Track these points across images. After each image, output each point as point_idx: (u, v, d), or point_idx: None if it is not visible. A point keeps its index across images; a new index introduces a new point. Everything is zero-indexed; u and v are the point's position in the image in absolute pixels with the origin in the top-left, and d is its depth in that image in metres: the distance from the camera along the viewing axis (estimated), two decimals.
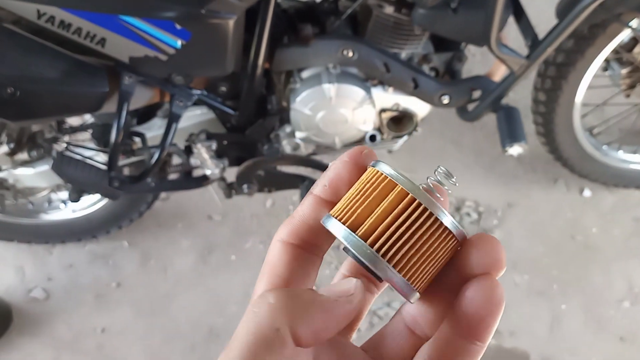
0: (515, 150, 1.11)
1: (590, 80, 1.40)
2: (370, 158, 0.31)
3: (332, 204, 0.30)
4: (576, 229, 1.67)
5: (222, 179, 1.29)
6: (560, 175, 1.74)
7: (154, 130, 1.22)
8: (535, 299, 1.55)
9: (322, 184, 0.31)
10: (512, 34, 1.32)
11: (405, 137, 1.29)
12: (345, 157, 0.31)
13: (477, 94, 1.18)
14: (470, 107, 1.22)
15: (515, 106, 1.16)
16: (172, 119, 1.11)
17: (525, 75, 1.10)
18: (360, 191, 0.29)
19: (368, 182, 0.29)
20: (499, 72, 1.19)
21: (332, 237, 0.31)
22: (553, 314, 1.52)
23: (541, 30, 1.14)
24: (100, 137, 1.17)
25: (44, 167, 1.24)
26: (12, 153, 1.22)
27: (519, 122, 1.12)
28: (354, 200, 0.29)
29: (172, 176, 1.32)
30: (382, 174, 0.29)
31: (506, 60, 1.05)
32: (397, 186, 0.28)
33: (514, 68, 1.06)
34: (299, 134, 1.24)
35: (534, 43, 1.09)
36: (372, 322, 1.52)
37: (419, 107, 1.23)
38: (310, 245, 0.31)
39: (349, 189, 0.30)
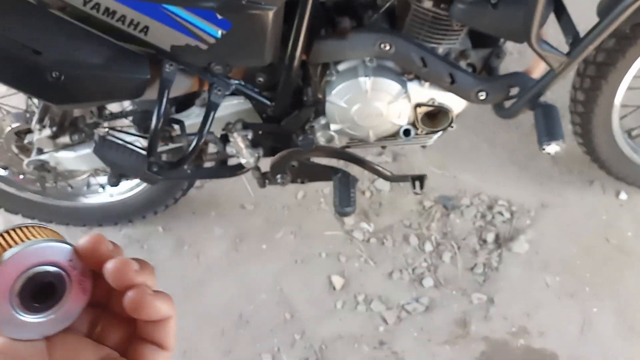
0: (552, 148, 1.10)
1: (630, 81, 1.37)
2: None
3: None
4: (611, 232, 1.64)
5: (257, 168, 1.31)
6: (596, 177, 1.71)
7: (191, 118, 1.24)
8: (566, 300, 1.53)
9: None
10: (550, 32, 1.30)
11: (439, 133, 1.29)
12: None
13: (514, 91, 1.17)
14: (507, 104, 1.21)
15: (554, 104, 1.14)
16: (211, 107, 1.13)
17: (564, 74, 1.09)
18: None
19: None
20: (538, 70, 1.18)
21: None
22: (584, 317, 1.50)
23: (581, 29, 1.12)
24: (141, 124, 1.20)
25: (85, 151, 1.28)
26: (54, 136, 1.26)
27: (557, 120, 1.10)
28: None
29: (208, 164, 1.34)
30: None
31: (546, 57, 1.04)
32: None
33: (554, 65, 1.05)
34: (333, 126, 1.25)
35: (575, 40, 1.07)
36: (400, 316, 1.52)
37: (455, 103, 1.22)
38: None
39: None
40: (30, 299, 0.32)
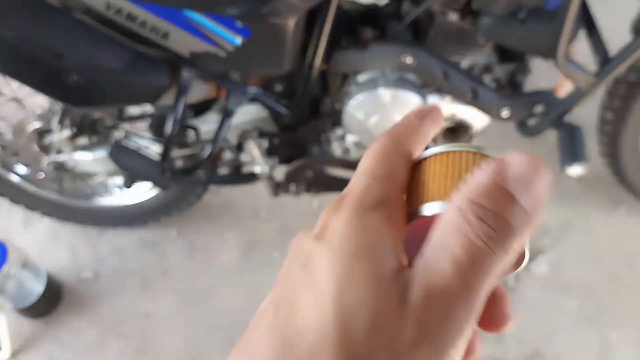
0: (574, 170, 1.06)
1: None
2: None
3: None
4: (634, 257, 1.58)
5: (271, 177, 1.29)
6: (622, 199, 1.66)
7: (208, 124, 1.24)
8: (585, 325, 1.48)
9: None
10: (581, 50, 1.26)
11: None
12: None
13: (539, 108, 1.13)
14: (531, 122, 1.18)
15: (578, 125, 1.10)
16: (227, 114, 1.12)
17: (591, 94, 1.05)
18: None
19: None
20: (564, 88, 1.14)
21: None
22: (602, 344, 1.45)
23: (613, 47, 1.09)
24: (157, 128, 1.20)
25: (102, 153, 1.28)
26: (73, 137, 1.27)
27: (581, 142, 1.07)
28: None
29: (222, 171, 1.33)
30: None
31: (573, 76, 1.00)
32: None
33: (581, 85, 1.01)
34: (350, 138, 1.23)
35: (604, 60, 1.04)
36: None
37: (476, 119, 1.19)
38: None
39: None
40: None
